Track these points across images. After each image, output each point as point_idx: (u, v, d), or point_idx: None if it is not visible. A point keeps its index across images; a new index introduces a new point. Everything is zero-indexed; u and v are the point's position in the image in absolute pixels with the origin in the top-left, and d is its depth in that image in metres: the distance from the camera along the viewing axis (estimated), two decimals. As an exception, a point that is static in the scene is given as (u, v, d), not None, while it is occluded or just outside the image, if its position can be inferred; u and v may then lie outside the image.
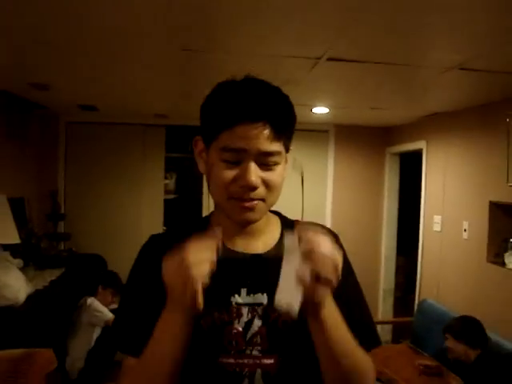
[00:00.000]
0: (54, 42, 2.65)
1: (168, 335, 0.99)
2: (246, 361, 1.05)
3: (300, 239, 0.95)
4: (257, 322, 1.07)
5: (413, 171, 5.22)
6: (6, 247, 3.54)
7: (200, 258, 0.92)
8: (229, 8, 2.11)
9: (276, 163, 1.05)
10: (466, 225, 3.94)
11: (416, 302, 4.70)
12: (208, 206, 5.39)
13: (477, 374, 3.04)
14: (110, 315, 4.20)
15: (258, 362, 1.06)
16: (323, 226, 1.20)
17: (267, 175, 1.05)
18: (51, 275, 4.19)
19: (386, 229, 5.67)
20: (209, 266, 0.93)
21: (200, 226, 1.17)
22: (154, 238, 1.21)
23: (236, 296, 1.08)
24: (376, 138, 5.69)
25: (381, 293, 5.71)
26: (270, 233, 1.18)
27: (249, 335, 1.07)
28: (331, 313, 0.99)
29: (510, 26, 2.15)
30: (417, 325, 4.17)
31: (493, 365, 3.04)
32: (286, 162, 1.12)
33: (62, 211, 5.19)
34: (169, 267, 0.95)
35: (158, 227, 5.36)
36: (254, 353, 1.06)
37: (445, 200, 4.37)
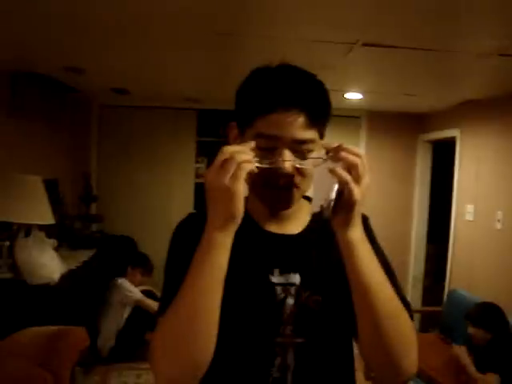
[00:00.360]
0: (90, 27, 2.68)
1: (208, 263, 0.95)
2: (279, 339, 1.07)
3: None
4: (289, 301, 1.08)
5: (446, 159, 5.13)
6: (41, 228, 3.62)
7: (240, 157, 0.91)
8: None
9: (310, 151, 1.05)
10: (500, 215, 3.87)
11: (446, 291, 4.65)
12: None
13: (488, 357, 3.04)
14: (140, 295, 4.29)
15: (289, 340, 1.07)
16: None
17: (302, 162, 1.04)
18: (84, 256, 4.27)
19: (417, 216, 5.61)
20: (249, 166, 0.92)
21: None
22: (192, 216, 1.22)
23: (270, 276, 1.10)
24: (409, 125, 5.60)
25: (410, 280, 5.66)
26: (302, 217, 1.19)
27: (282, 314, 1.08)
28: (364, 240, 0.99)
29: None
30: (446, 314, 4.12)
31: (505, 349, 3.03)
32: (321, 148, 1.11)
33: (95, 193, 5.27)
34: (210, 172, 0.92)
35: (189, 210, 5.31)
36: (287, 332, 1.07)
37: (478, 189, 4.29)
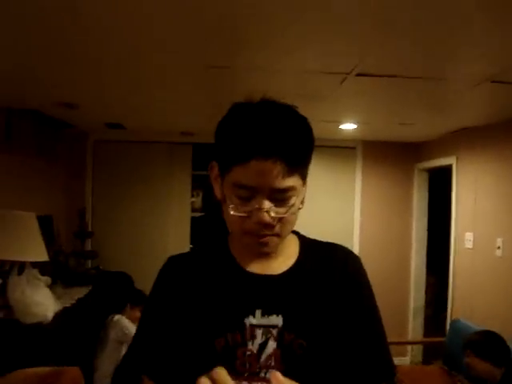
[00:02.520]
0: (83, 62, 2.69)
1: None
2: (259, 383, 1.02)
3: None
4: (271, 344, 1.04)
5: (443, 187, 5.12)
6: (34, 265, 3.56)
7: None
8: (255, 24, 2.10)
9: (290, 197, 1.03)
10: (499, 242, 3.83)
11: (448, 321, 4.58)
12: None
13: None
14: (137, 333, 4.19)
15: None
16: (344, 248, 1.19)
17: (281, 211, 1.03)
18: (78, 293, 4.20)
19: (416, 246, 5.56)
20: None
21: (218, 249, 1.19)
22: (172, 260, 1.21)
23: (250, 317, 1.06)
24: (404, 154, 5.61)
25: (411, 311, 5.59)
26: (287, 253, 1.16)
27: (263, 357, 1.04)
28: None
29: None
30: (449, 345, 4.04)
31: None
32: (305, 185, 1.09)
33: (90, 229, 5.22)
34: None
35: (185, 245, 5.36)
36: (268, 376, 1.02)
37: (476, 217, 4.26)
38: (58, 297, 3.72)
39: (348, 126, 4.53)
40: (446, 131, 4.64)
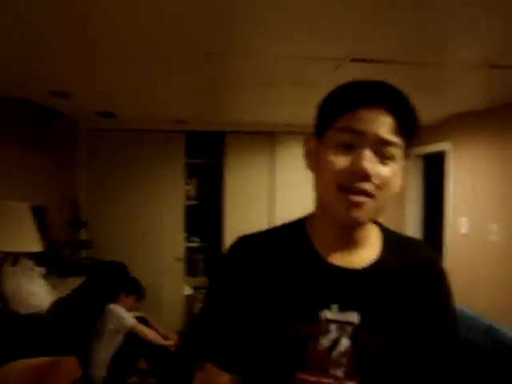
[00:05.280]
0: (74, 50, 2.65)
1: None
2: (327, 380, 0.98)
3: None
4: (344, 342, 0.99)
5: (439, 173, 5.11)
6: (29, 256, 3.54)
7: None
8: (251, 10, 2.07)
9: (393, 157, 0.98)
10: (494, 227, 3.84)
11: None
12: (230, 211, 5.37)
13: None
14: (133, 321, 4.19)
15: (339, 383, 0.98)
16: (428, 247, 1.16)
17: (381, 169, 0.97)
18: (74, 283, 4.18)
19: (411, 232, 5.57)
20: None
21: (294, 231, 1.11)
22: (242, 241, 1.13)
23: (326, 311, 1.00)
24: (399, 139, 5.58)
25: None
26: (370, 246, 1.09)
27: (334, 354, 0.99)
28: None
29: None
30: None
31: None
32: (404, 166, 1.04)
33: (84, 219, 5.19)
34: None
35: (179, 234, 5.35)
36: (338, 373, 0.98)
37: (471, 202, 4.26)
38: (53, 287, 3.70)
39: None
40: (442, 116, 4.62)
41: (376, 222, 1.12)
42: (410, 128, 1.00)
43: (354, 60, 2.70)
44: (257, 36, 2.43)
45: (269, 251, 1.09)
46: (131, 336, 4.15)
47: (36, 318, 3.22)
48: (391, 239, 1.12)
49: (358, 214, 0.98)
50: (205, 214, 5.84)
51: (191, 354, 1.13)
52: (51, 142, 4.95)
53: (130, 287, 4.52)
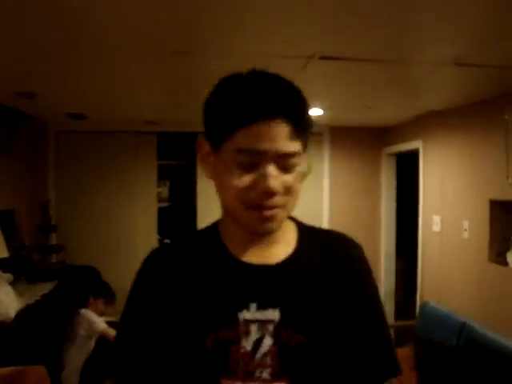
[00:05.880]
0: (41, 51, 2.58)
1: None
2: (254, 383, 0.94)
3: None
4: (267, 341, 0.96)
5: (411, 171, 5.15)
6: (-5, 262, 3.45)
7: None
8: (218, 9, 2.03)
9: (295, 164, 0.95)
10: (466, 224, 3.86)
11: (418, 304, 4.61)
12: (204, 212, 5.31)
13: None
14: (104, 325, 4.11)
15: None
16: (345, 236, 1.14)
17: (287, 179, 0.94)
18: (43, 289, 4.10)
19: (385, 230, 5.60)
20: None
21: (207, 237, 1.08)
22: (155, 253, 1.10)
23: (244, 311, 0.96)
24: (372, 138, 5.62)
25: (382, 295, 5.62)
26: (285, 241, 1.06)
27: (258, 355, 0.95)
28: None
29: (504, 20, 2.09)
30: (419, 328, 4.07)
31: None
32: (305, 156, 1.02)
33: (54, 222, 5.09)
34: None
35: (152, 236, 5.27)
36: (264, 375, 0.94)
37: (443, 200, 4.29)
38: (20, 294, 3.62)
39: (314, 112, 4.49)
40: (413, 115, 4.64)
41: (291, 217, 1.10)
42: (307, 125, 0.98)
43: (322, 58, 2.68)
44: (221, 34, 2.40)
45: (183, 260, 1.06)
46: (103, 341, 4.07)
47: (2, 327, 3.14)
48: (307, 233, 1.10)
49: (270, 226, 0.98)
50: (178, 215, 5.78)
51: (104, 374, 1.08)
52: (20, 144, 4.83)
53: (98, 290, 4.44)
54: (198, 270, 1.03)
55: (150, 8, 2.01)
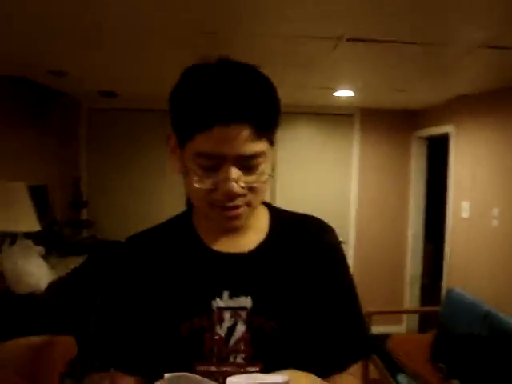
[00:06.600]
0: (73, 28, 2.62)
1: None
2: (228, 369, 0.97)
3: None
4: (240, 328, 0.99)
5: (442, 156, 5.06)
6: (27, 235, 3.54)
7: None
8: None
9: (258, 164, 0.94)
10: (496, 212, 3.79)
11: (443, 290, 4.58)
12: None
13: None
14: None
15: (241, 370, 0.97)
16: (317, 220, 1.13)
17: (250, 179, 0.94)
18: (74, 262, 4.20)
19: (413, 214, 5.54)
20: None
21: (181, 225, 1.11)
22: (130, 241, 1.13)
23: (217, 299, 0.99)
24: (403, 121, 5.53)
25: (407, 279, 5.60)
26: (258, 228, 1.08)
27: (231, 341, 0.98)
28: None
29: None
30: (443, 314, 4.04)
31: None
32: (273, 150, 1.01)
33: (85, 198, 5.20)
34: None
35: (181, 209, 5.30)
36: (238, 360, 0.98)
37: (473, 186, 4.21)
38: (52, 266, 3.72)
39: (344, 93, 4.44)
40: (444, 98, 4.55)
41: (264, 203, 1.11)
42: (272, 122, 0.96)
43: (350, 39, 2.65)
44: (252, 16, 2.40)
45: (156, 247, 1.08)
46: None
47: (32, 298, 3.24)
48: (280, 217, 1.11)
49: (237, 223, 1.01)
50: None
51: (93, 362, 1.13)
52: (53, 121, 4.94)
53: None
54: (172, 260, 1.05)
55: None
